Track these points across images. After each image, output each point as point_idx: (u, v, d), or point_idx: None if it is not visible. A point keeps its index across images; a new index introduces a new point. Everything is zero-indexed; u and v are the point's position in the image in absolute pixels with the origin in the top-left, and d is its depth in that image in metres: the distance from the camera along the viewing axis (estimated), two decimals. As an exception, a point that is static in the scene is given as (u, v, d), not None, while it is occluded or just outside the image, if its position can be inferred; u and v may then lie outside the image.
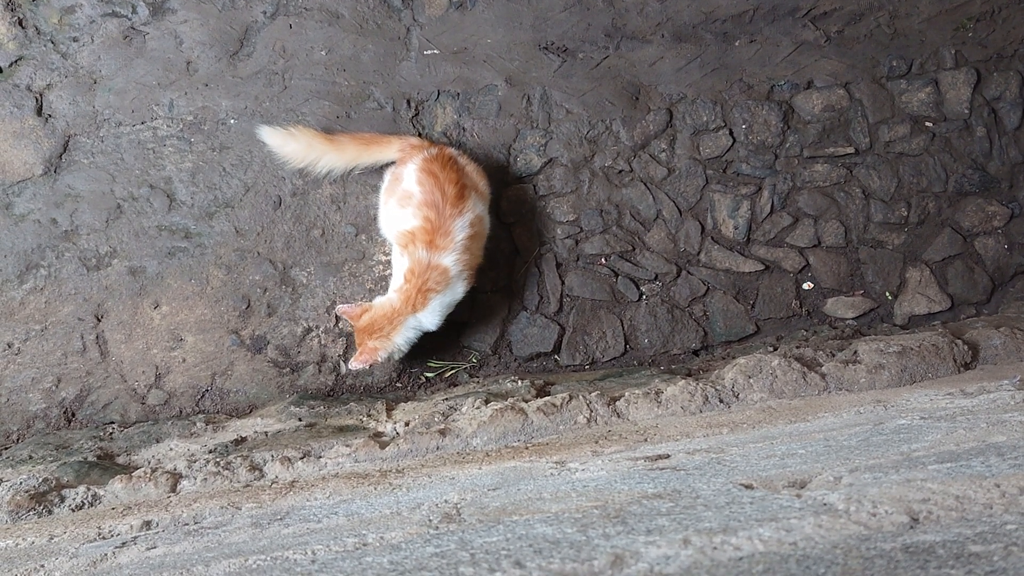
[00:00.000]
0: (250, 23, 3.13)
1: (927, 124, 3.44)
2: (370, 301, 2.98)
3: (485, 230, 3.04)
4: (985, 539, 1.01)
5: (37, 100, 3.02)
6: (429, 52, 3.23)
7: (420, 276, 2.84)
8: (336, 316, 3.10)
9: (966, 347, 2.78)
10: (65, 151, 3.04)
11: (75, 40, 3.05)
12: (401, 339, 2.90)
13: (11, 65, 3.01)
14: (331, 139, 3.05)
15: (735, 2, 3.34)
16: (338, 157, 3.04)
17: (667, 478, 1.67)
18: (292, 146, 3.02)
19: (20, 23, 3.01)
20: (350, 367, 2.95)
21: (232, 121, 3.12)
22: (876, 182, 3.41)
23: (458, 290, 2.95)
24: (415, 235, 2.85)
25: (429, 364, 3.19)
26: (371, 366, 2.95)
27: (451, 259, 2.87)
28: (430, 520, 1.57)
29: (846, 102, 3.41)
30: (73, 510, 2.25)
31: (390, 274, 3.09)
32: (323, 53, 3.17)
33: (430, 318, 2.92)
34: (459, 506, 1.68)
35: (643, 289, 3.32)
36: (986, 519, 1.10)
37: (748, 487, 1.46)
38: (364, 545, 1.41)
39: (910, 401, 2.34)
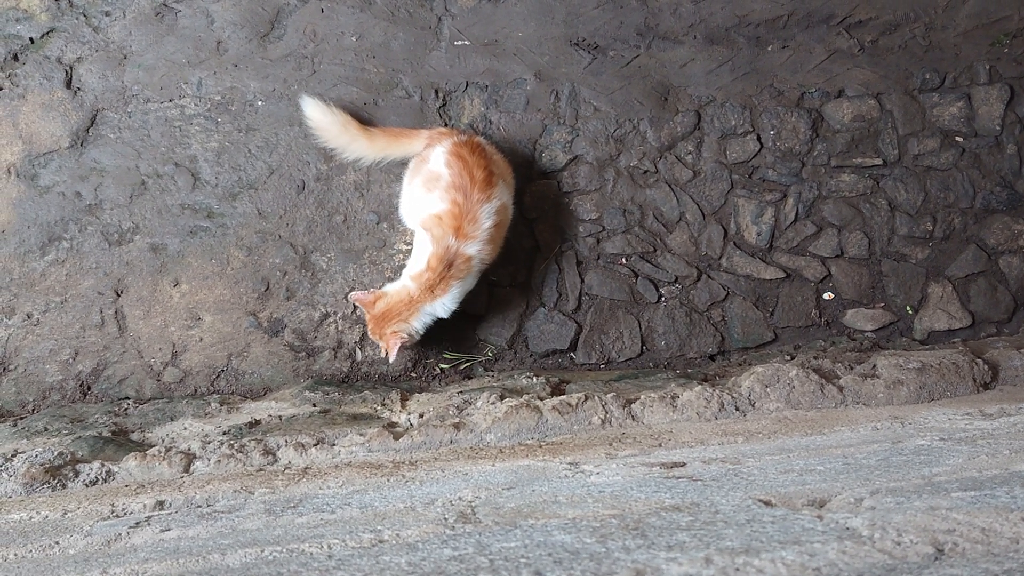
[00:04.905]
0: (282, 5, 3.12)
1: (957, 139, 3.40)
2: (381, 288, 2.97)
3: (508, 219, 3.03)
4: (1014, 577, 1.00)
5: (67, 73, 3.03)
6: (459, 43, 3.22)
7: (444, 262, 2.83)
8: (354, 304, 3.10)
9: (986, 367, 2.76)
10: (92, 125, 3.04)
11: (107, 14, 3.05)
12: (419, 324, 2.90)
13: (43, 36, 3.02)
14: (365, 127, 3.07)
15: (769, 7, 3.31)
16: (368, 145, 3.05)
17: (684, 488, 1.67)
18: (329, 119, 3.04)
19: (53, -5, 3.01)
20: (390, 360, 2.96)
21: (260, 103, 3.12)
22: (903, 195, 3.38)
23: (474, 279, 2.97)
24: (442, 220, 2.84)
25: (444, 355, 3.19)
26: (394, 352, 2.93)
27: (475, 248, 2.86)
28: (445, 518, 1.57)
29: (877, 113, 3.37)
30: (87, 485, 2.26)
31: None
32: (353, 39, 3.16)
33: (448, 306, 2.91)
34: (474, 504, 1.68)
35: (662, 291, 3.31)
36: (1012, 555, 1.09)
37: (767, 503, 1.45)
38: (380, 542, 1.41)
39: (928, 419, 2.32)
